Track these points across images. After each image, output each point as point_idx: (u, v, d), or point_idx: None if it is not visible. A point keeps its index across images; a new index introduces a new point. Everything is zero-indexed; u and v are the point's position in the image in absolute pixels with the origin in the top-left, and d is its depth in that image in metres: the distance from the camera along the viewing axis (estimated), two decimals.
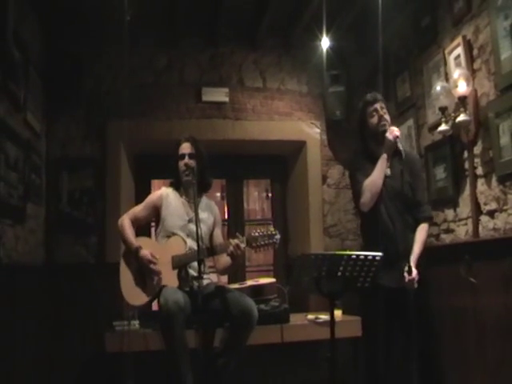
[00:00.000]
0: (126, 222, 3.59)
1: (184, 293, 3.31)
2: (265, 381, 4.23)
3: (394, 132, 3.25)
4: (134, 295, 3.46)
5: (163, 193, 3.69)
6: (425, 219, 3.31)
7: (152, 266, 3.38)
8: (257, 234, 3.33)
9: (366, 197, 3.26)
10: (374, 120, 3.35)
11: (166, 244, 3.52)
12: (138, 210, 3.71)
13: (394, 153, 3.25)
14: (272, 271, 5.56)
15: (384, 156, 3.26)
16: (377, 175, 3.25)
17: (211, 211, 3.72)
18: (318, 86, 5.35)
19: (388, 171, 3.31)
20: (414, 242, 3.21)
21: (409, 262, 3.08)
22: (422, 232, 3.28)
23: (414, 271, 3.09)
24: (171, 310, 3.05)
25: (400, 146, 3.18)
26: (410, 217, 3.28)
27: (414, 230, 3.29)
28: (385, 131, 3.33)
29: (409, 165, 3.33)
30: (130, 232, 3.56)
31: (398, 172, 3.21)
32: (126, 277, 3.52)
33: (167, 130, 4.90)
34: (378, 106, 3.35)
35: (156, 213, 3.66)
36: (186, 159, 3.60)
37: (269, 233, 3.33)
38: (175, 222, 3.57)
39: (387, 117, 3.36)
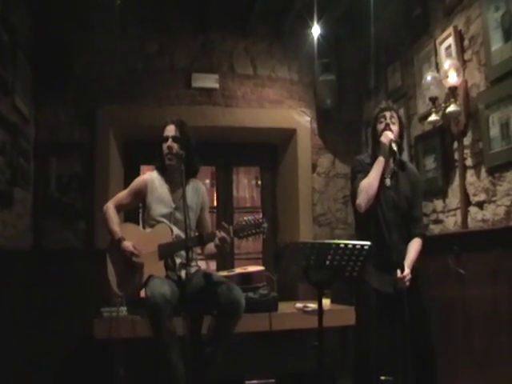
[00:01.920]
0: (110, 209, 3.50)
1: (171, 282, 3.26)
2: (252, 369, 4.22)
3: (388, 135, 3.23)
4: (120, 285, 3.40)
5: (148, 178, 3.56)
6: (419, 235, 3.29)
7: (134, 258, 3.32)
8: (244, 223, 3.25)
9: (362, 198, 3.22)
10: (381, 126, 3.31)
11: (151, 232, 3.44)
12: (123, 196, 3.60)
13: (395, 163, 3.25)
14: (261, 259, 5.54)
15: (380, 159, 3.24)
16: (373, 177, 3.22)
17: (198, 195, 3.59)
18: (309, 74, 5.32)
19: (388, 182, 3.29)
20: (408, 250, 3.21)
21: (402, 263, 3.09)
22: (416, 244, 3.25)
23: (407, 270, 3.09)
24: (158, 304, 3.00)
25: (394, 146, 3.16)
26: (405, 230, 3.27)
27: (407, 243, 3.27)
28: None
29: (409, 179, 3.33)
30: (114, 220, 3.46)
31: (397, 184, 3.23)
32: (113, 266, 3.45)
33: (157, 116, 4.80)
34: (388, 114, 3.32)
35: (141, 199, 3.55)
36: (169, 142, 3.45)
37: (256, 222, 3.24)
38: (160, 209, 3.46)
39: (395, 127, 3.30)
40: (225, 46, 5.20)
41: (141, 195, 3.54)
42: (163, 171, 3.56)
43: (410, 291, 3.06)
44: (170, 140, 3.46)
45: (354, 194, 3.34)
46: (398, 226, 3.24)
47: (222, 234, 3.23)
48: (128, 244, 3.34)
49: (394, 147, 3.17)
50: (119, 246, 3.36)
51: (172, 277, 3.34)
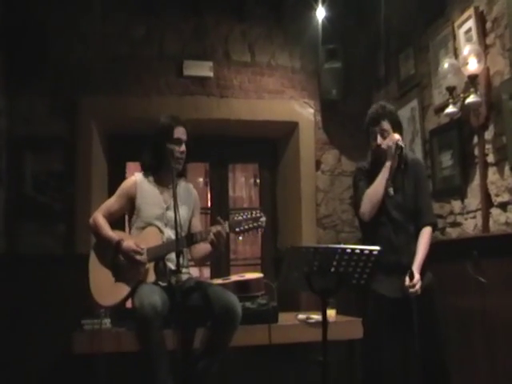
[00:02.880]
0: (99, 218, 3.51)
1: (161, 289, 3.27)
2: None
3: (394, 137, 3.29)
4: (104, 295, 3.38)
5: (137, 179, 3.60)
6: (426, 224, 3.33)
7: (138, 257, 3.32)
8: (240, 217, 3.32)
9: (366, 206, 3.31)
10: (373, 144, 3.40)
11: (140, 236, 3.45)
12: (111, 203, 3.62)
13: (398, 164, 3.31)
14: (259, 265, 5.54)
15: (387, 165, 3.29)
16: (378, 184, 3.29)
17: (190, 196, 3.67)
18: (313, 61, 5.31)
19: (391, 191, 3.35)
20: (417, 246, 3.25)
21: (411, 267, 3.11)
22: (424, 236, 3.30)
23: (417, 276, 3.11)
24: (147, 315, 2.99)
25: (401, 142, 3.24)
26: (414, 227, 3.32)
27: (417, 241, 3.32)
28: (381, 154, 3.34)
29: (412, 172, 3.38)
30: (106, 227, 3.48)
31: (401, 186, 3.30)
32: (97, 274, 3.43)
33: (145, 107, 4.86)
34: (378, 129, 3.35)
35: (131, 202, 3.57)
36: (183, 146, 3.53)
37: (253, 216, 3.32)
38: (152, 210, 3.50)
39: (389, 138, 3.32)
40: (220, 30, 5.18)
41: (130, 198, 3.57)
42: (156, 171, 3.59)
43: (421, 298, 3.08)
44: (183, 145, 3.54)
45: (357, 203, 3.42)
46: (404, 225, 3.30)
47: (218, 227, 3.27)
48: (130, 243, 3.35)
49: (401, 143, 3.25)
50: (119, 248, 3.36)
51: (162, 282, 3.34)
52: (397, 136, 3.29)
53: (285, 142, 5.45)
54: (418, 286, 3.09)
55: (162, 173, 3.55)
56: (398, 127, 3.40)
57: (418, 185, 3.38)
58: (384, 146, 3.30)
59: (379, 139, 3.34)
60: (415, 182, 3.37)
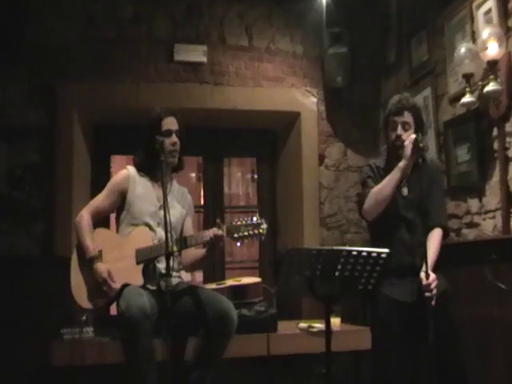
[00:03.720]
0: (84, 219, 3.52)
1: (150, 293, 3.27)
2: None
3: (411, 136, 3.29)
4: (87, 296, 3.38)
5: (130, 172, 3.62)
6: (434, 226, 3.36)
7: (105, 288, 3.32)
8: (239, 223, 3.34)
9: (370, 204, 3.36)
10: (392, 135, 3.43)
11: (128, 236, 3.46)
12: (100, 199, 3.62)
13: (415, 163, 3.32)
14: (257, 269, 5.57)
15: (400, 165, 3.30)
16: (386, 183, 3.32)
17: (185, 199, 3.72)
18: (316, 45, 5.31)
19: (405, 191, 3.41)
20: (427, 248, 3.22)
21: (426, 267, 3.10)
22: (433, 239, 3.33)
23: (432, 275, 3.10)
24: (135, 319, 2.99)
25: (420, 142, 3.23)
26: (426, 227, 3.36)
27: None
28: (399, 147, 3.37)
29: (428, 173, 3.42)
30: (86, 233, 3.48)
31: (416, 186, 3.35)
32: (79, 273, 3.44)
33: (132, 95, 4.87)
34: (400, 120, 3.39)
35: (122, 197, 3.59)
36: (174, 137, 3.55)
37: (254, 222, 3.34)
38: (145, 207, 3.52)
39: (409, 133, 3.36)
40: (214, 10, 5.18)
41: (122, 193, 3.59)
42: (150, 168, 3.61)
43: (435, 305, 3.08)
44: (174, 135, 3.56)
45: (361, 200, 3.46)
46: (420, 227, 3.32)
47: (217, 231, 3.29)
48: (102, 268, 3.34)
49: (420, 143, 3.24)
50: (91, 266, 3.36)
51: (151, 285, 3.35)
52: (413, 135, 3.28)
53: (285, 134, 5.45)
54: (433, 285, 3.08)
55: (157, 170, 3.54)
56: (420, 124, 3.44)
57: (432, 185, 3.40)
58: (404, 137, 3.32)
59: (399, 130, 3.36)
60: (430, 183, 3.39)
